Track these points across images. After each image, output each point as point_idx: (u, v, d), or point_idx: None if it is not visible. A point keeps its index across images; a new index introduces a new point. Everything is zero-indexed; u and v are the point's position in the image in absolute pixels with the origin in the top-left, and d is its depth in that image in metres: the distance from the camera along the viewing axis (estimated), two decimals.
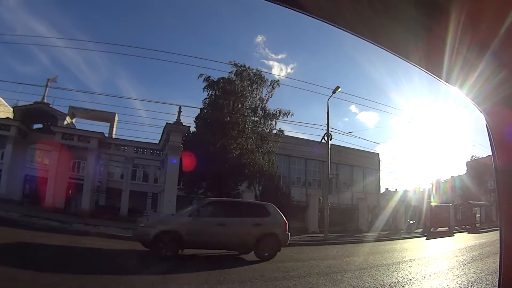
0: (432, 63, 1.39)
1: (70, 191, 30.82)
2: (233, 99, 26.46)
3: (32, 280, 7.08)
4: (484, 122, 1.44)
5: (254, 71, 28.41)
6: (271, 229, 12.94)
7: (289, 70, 76.79)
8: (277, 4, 1.31)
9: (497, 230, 1.49)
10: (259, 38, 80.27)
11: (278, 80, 29.81)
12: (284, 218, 13.55)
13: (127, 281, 8.10)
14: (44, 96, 30.94)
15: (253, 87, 28.21)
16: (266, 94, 28.96)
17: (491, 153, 1.47)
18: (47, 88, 31.09)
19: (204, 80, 27.42)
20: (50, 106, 31.37)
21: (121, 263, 10.12)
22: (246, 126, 27.30)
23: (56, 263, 9.06)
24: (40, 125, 32.24)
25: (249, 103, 28.19)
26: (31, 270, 7.75)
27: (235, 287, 8.02)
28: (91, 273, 8.37)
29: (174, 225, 11.94)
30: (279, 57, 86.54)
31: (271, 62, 78.76)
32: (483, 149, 44.62)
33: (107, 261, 10.48)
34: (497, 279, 1.48)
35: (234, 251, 13.04)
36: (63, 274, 7.89)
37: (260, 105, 28.77)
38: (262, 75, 28.67)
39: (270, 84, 29.01)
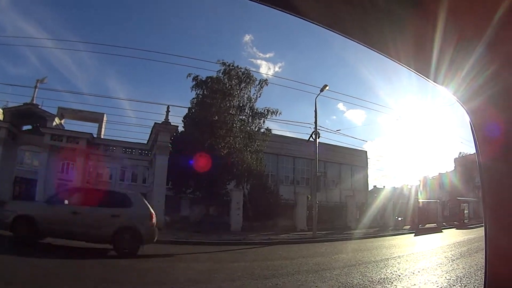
0: (420, 63, 1.40)
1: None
2: (221, 98, 26.43)
3: (31, 279, 7.11)
4: (468, 120, 1.46)
5: (242, 70, 28.43)
6: (130, 221, 11.67)
7: (277, 69, 76.68)
8: (271, 7, 1.32)
9: None
10: (247, 37, 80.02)
11: (266, 79, 29.91)
12: (151, 210, 12.17)
13: (119, 279, 8.10)
14: (33, 97, 30.55)
15: (241, 86, 28.17)
16: (254, 93, 28.99)
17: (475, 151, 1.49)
18: (36, 89, 30.79)
19: (192, 79, 27.40)
20: (39, 107, 31.02)
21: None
22: (234, 125, 27.34)
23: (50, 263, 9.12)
24: (29, 127, 31.92)
25: (237, 102, 28.18)
26: (30, 270, 7.77)
27: (225, 286, 8.02)
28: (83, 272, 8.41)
29: (29, 210, 11.45)
30: (267, 56, 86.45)
31: (259, 61, 78.60)
32: (471, 146, 44.62)
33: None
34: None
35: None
36: (60, 273, 7.92)
37: (248, 104, 28.80)
38: (251, 74, 28.71)
39: (259, 83, 29.04)
